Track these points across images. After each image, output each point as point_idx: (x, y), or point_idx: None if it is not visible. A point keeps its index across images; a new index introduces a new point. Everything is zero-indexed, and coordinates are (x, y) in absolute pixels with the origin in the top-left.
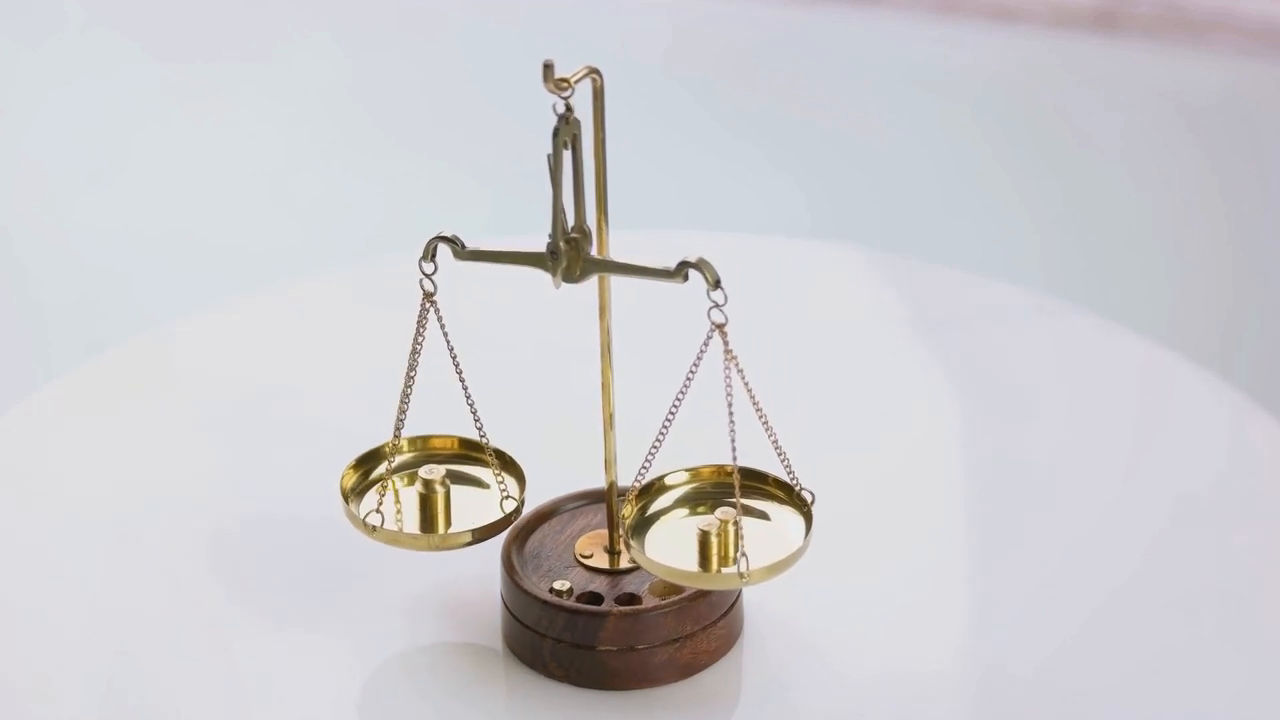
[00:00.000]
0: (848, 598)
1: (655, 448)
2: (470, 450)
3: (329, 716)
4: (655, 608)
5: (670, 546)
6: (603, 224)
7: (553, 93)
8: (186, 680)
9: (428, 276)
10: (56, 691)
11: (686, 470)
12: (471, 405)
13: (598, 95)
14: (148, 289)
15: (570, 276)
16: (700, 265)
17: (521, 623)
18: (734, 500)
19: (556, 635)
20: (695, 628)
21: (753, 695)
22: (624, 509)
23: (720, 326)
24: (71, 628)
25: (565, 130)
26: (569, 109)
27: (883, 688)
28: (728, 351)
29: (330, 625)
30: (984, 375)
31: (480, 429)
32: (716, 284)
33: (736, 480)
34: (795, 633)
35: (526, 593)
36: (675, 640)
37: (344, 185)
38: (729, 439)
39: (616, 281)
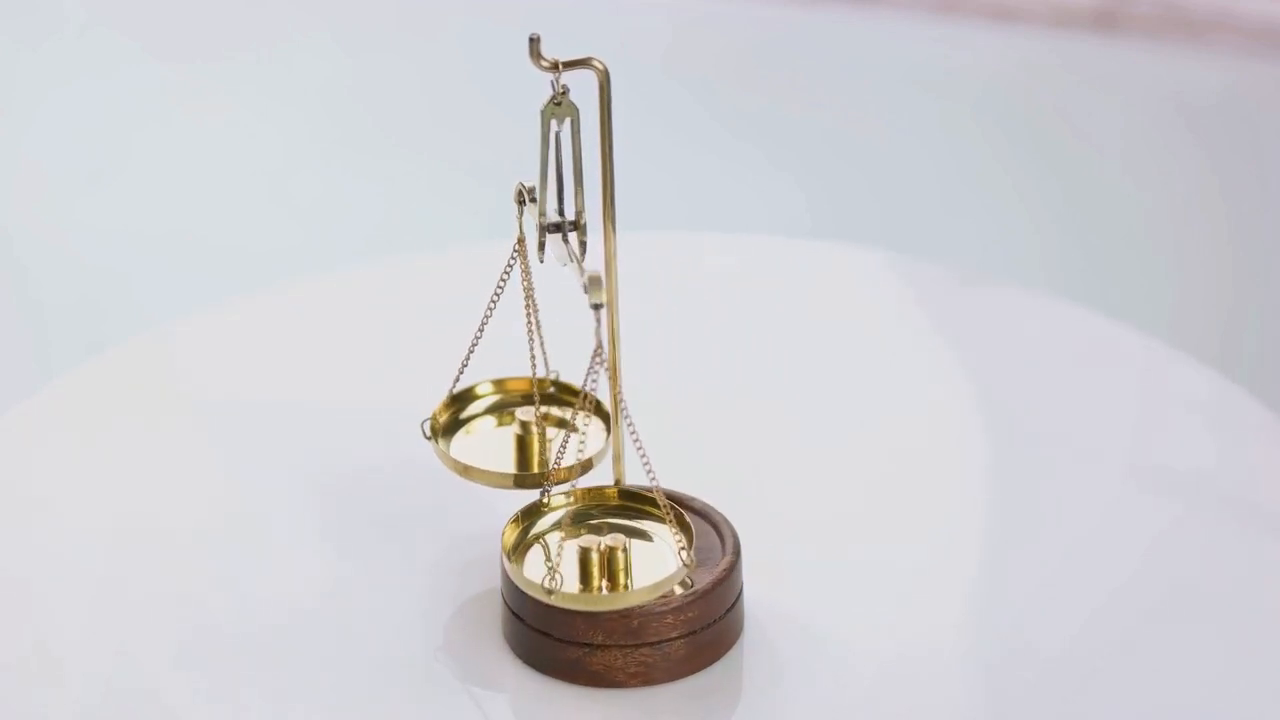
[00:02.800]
0: (850, 594)
1: (559, 459)
2: (567, 395)
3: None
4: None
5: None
6: (609, 225)
7: (538, 69)
8: (184, 678)
9: (519, 221)
10: (56, 690)
11: (565, 493)
12: (544, 352)
13: (602, 90)
14: (148, 289)
15: (564, 259)
16: (590, 285)
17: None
18: (615, 521)
19: (505, 598)
20: (608, 641)
21: (754, 692)
22: (506, 529)
23: (600, 347)
24: (71, 627)
25: (550, 109)
26: (564, 89)
27: (884, 684)
28: (600, 368)
29: (332, 621)
30: (984, 374)
31: (546, 374)
32: (597, 308)
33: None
34: (798, 628)
35: (502, 559)
36: (585, 645)
37: (344, 185)
38: (644, 468)
39: (627, 273)
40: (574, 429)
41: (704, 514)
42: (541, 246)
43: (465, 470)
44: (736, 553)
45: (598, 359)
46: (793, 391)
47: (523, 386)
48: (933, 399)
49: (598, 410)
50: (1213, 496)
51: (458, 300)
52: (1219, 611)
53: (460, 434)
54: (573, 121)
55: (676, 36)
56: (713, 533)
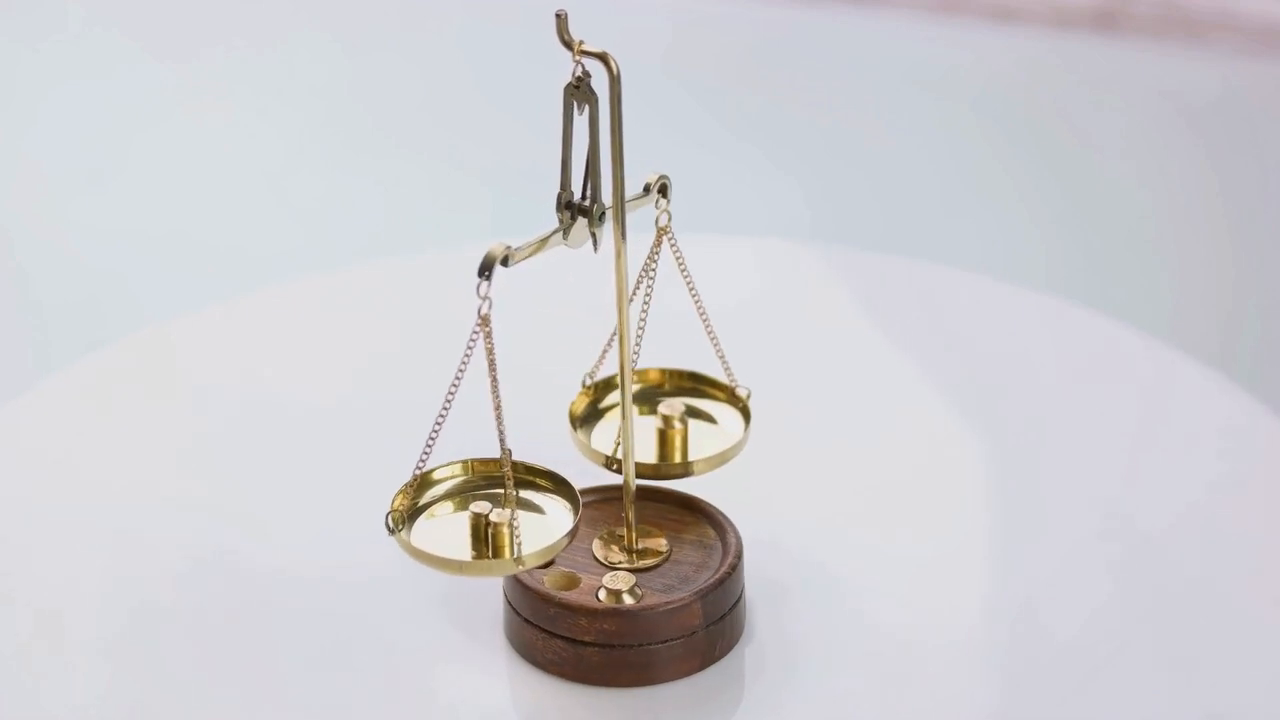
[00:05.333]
0: (855, 594)
1: (433, 437)
2: (700, 384)
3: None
4: (522, 576)
5: (443, 532)
6: (618, 231)
7: (561, 42)
8: (183, 675)
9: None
10: (59, 660)
11: (460, 463)
12: (726, 365)
13: (613, 87)
14: (147, 289)
15: (576, 242)
16: (484, 260)
17: None
18: (506, 492)
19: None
20: (530, 617)
21: (756, 694)
22: (396, 499)
23: (484, 318)
24: (70, 615)
25: (570, 90)
26: (585, 75)
27: (889, 686)
28: (487, 344)
29: (328, 612)
30: (985, 374)
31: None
32: (482, 275)
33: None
34: (803, 629)
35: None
36: (516, 613)
37: (344, 185)
38: (499, 438)
39: (636, 270)
40: (713, 422)
41: (711, 516)
42: (569, 229)
43: (608, 462)
44: (704, 591)
45: (484, 327)
46: (796, 392)
47: (660, 380)
48: (934, 398)
49: (735, 402)
50: (1212, 495)
51: (455, 300)
52: (1221, 603)
53: (601, 422)
54: (591, 109)
55: (676, 36)
56: (716, 540)
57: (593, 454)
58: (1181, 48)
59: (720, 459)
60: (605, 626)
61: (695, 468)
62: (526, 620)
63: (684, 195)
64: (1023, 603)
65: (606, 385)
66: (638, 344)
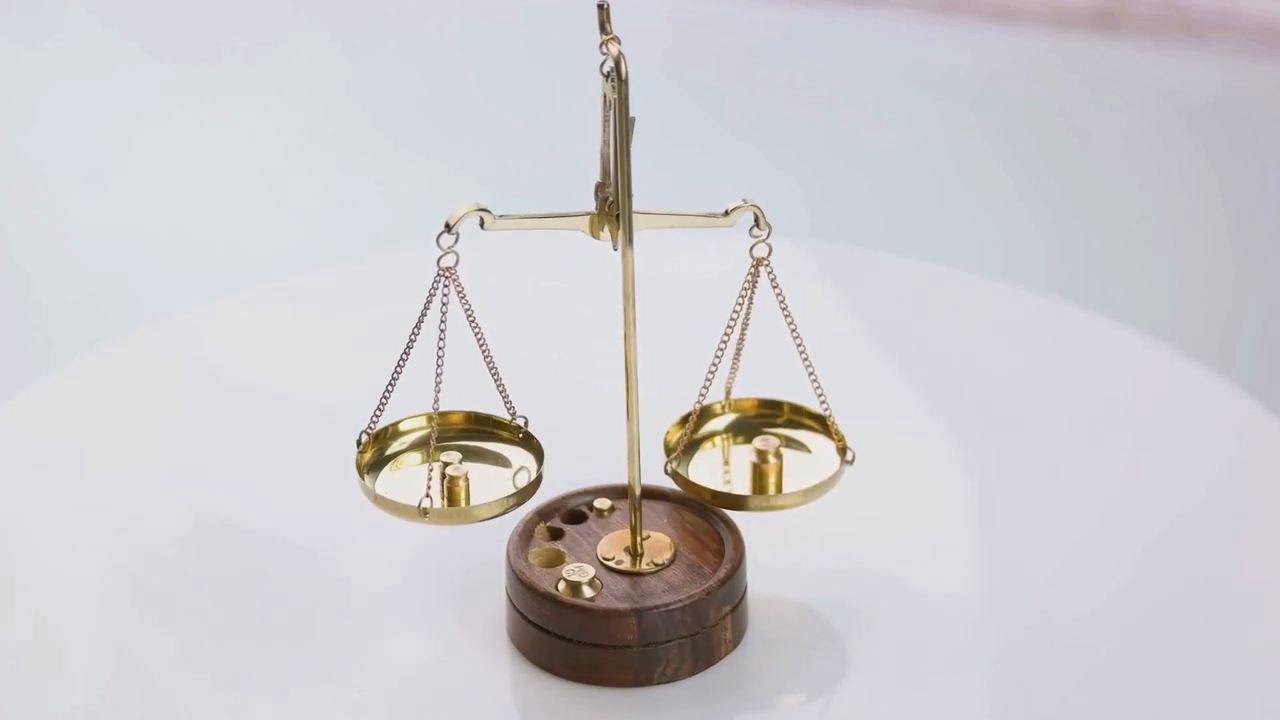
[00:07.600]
0: (857, 594)
1: (386, 397)
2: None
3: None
4: (517, 565)
5: (411, 474)
6: (626, 239)
7: (602, 35)
8: (182, 671)
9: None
10: (51, 681)
11: (423, 415)
12: (816, 385)
13: (620, 88)
14: (147, 289)
15: (595, 232)
16: (446, 224)
17: None
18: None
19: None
20: (509, 588)
21: (759, 691)
22: (358, 454)
23: (448, 270)
24: (69, 608)
25: (604, 82)
26: (614, 67)
27: (892, 688)
28: (459, 295)
29: (331, 603)
30: (984, 374)
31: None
32: (446, 232)
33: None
34: (805, 630)
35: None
36: (506, 591)
37: (344, 185)
38: (434, 389)
39: (641, 270)
40: (806, 450)
41: (722, 545)
42: (602, 222)
43: (692, 487)
44: (643, 610)
45: (448, 277)
46: (794, 391)
47: (755, 409)
48: (932, 398)
49: (830, 434)
50: (1212, 495)
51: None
52: (1222, 603)
53: (698, 452)
54: (614, 105)
55: (676, 36)
56: (713, 541)
57: (691, 486)
58: (1181, 48)
59: (775, 504)
60: (544, 611)
61: (750, 504)
62: (507, 589)
63: (684, 195)
64: (1023, 603)
65: (703, 415)
66: (711, 370)
